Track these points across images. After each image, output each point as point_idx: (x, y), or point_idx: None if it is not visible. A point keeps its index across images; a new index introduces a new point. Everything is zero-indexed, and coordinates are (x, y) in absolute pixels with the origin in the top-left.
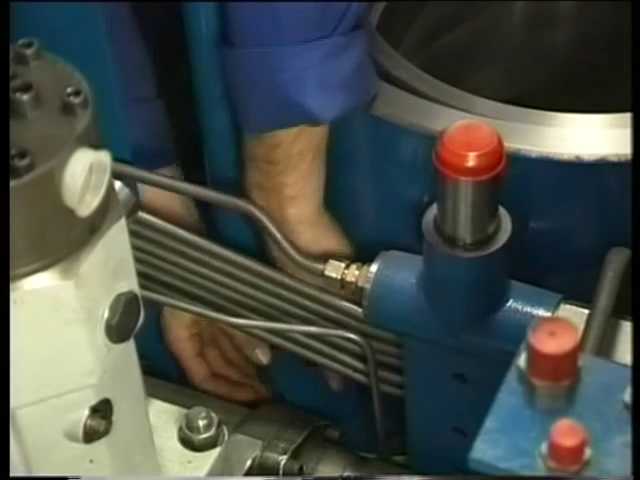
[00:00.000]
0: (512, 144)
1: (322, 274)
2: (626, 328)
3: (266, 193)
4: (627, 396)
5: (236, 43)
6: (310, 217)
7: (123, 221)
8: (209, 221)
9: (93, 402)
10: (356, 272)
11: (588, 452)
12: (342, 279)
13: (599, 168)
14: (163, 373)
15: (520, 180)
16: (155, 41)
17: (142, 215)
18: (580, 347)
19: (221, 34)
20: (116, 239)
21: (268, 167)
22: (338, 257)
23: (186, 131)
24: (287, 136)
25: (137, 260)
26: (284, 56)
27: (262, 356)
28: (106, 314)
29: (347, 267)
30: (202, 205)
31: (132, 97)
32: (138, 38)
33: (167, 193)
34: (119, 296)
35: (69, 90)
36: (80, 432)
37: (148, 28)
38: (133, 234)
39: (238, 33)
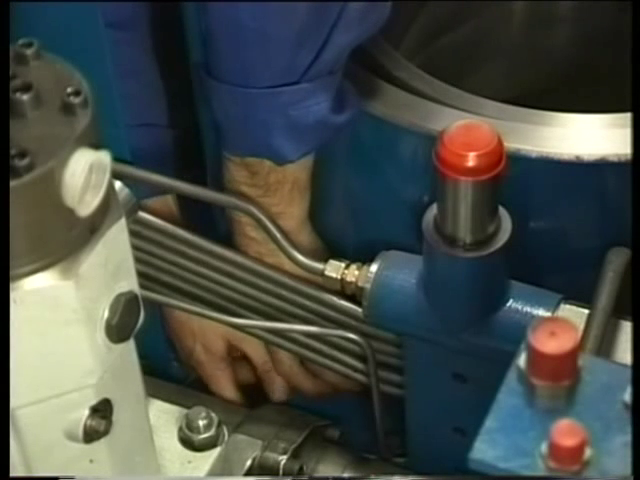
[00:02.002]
0: (512, 144)
1: (322, 274)
2: (626, 328)
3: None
4: (627, 396)
5: (213, 75)
6: (293, 230)
7: (123, 221)
8: (208, 221)
9: (93, 402)
10: (356, 272)
11: (588, 452)
12: (342, 279)
13: (599, 168)
14: (163, 373)
15: (520, 180)
16: (165, 69)
17: (142, 215)
18: (580, 347)
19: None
20: (116, 239)
21: (250, 190)
22: (337, 257)
23: (186, 132)
24: (262, 167)
25: (137, 260)
26: (252, 98)
27: (279, 394)
28: (106, 314)
29: (347, 267)
30: (201, 205)
31: (140, 121)
32: (150, 64)
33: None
34: (119, 296)
35: (69, 90)
36: (80, 432)
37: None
38: (133, 234)
39: (214, 67)
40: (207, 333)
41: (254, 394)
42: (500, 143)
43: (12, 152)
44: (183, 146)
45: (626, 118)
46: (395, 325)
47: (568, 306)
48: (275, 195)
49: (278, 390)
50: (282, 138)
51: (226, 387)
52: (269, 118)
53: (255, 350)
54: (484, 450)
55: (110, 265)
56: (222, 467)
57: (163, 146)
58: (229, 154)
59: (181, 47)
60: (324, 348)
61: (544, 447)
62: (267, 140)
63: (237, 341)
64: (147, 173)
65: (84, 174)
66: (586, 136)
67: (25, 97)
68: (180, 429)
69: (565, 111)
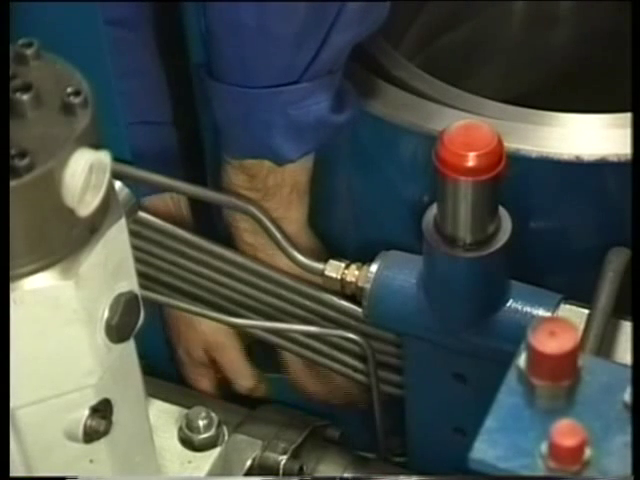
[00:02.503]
0: (512, 144)
1: (322, 274)
2: (626, 328)
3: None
4: (627, 396)
5: (214, 76)
6: (292, 235)
7: (123, 221)
8: (208, 220)
9: (93, 402)
10: (356, 272)
11: (588, 452)
12: (342, 279)
13: (599, 168)
14: (163, 373)
15: (520, 180)
16: (167, 66)
17: (142, 215)
18: (580, 347)
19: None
20: (116, 239)
21: (249, 194)
22: (337, 257)
23: (186, 132)
24: (261, 170)
25: (137, 260)
26: (252, 98)
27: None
28: (106, 314)
29: (347, 267)
30: (200, 205)
31: (141, 119)
32: (152, 61)
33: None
34: (119, 296)
35: (69, 90)
36: (80, 432)
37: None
38: (133, 234)
39: (215, 67)
40: (189, 339)
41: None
42: (500, 143)
43: (12, 152)
44: (184, 144)
45: (626, 118)
46: (395, 325)
47: (568, 306)
48: (274, 199)
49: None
50: (282, 138)
51: (205, 389)
52: (269, 118)
53: (231, 363)
54: (484, 450)
55: (110, 265)
56: (222, 467)
57: (164, 144)
58: (229, 157)
59: (182, 44)
60: (324, 348)
61: (544, 447)
62: (267, 140)
63: (215, 353)
64: (147, 173)
65: (84, 174)
66: (586, 136)
67: (25, 97)
68: (180, 429)
69: (565, 111)
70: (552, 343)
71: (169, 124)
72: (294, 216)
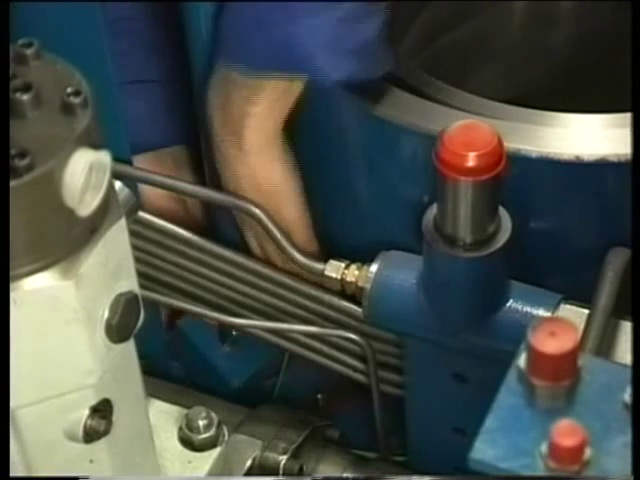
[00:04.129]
0: (512, 144)
1: (322, 274)
2: (626, 328)
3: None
4: (627, 396)
5: None
6: (264, 142)
7: (123, 221)
8: (209, 221)
9: (93, 402)
10: (356, 272)
11: (588, 452)
12: (342, 279)
13: (599, 168)
14: (163, 373)
15: (520, 180)
16: (165, 26)
17: (142, 215)
18: (580, 347)
19: None
20: (116, 239)
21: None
22: (337, 257)
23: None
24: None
25: (137, 260)
26: (301, 9)
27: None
28: (106, 314)
29: (347, 267)
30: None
31: (146, 77)
32: (151, 22)
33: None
34: (119, 296)
35: (69, 90)
36: (80, 432)
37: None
38: (133, 234)
39: None
40: None
41: (254, 394)
42: (500, 143)
43: (12, 152)
44: (177, 103)
45: (626, 118)
46: (395, 325)
47: (568, 306)
48: (262, 102)
49: None
50: (325, 55)
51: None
52: (316, 32)
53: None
54: (484, 450)
55: (110, 265)
56: (222, 467)
57: (157, 103)
58: (250, 73)
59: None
60: (324, 348)
61: (544, 447)
62: (308, 55)
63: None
64: (147, 173)
65: (84, 174)
66: (586, 136)
67: (25, 97)
68: (180, 429)
69: (565, 111)
70: (552, 343)
71: (163, 81)
72: (271, 124)
